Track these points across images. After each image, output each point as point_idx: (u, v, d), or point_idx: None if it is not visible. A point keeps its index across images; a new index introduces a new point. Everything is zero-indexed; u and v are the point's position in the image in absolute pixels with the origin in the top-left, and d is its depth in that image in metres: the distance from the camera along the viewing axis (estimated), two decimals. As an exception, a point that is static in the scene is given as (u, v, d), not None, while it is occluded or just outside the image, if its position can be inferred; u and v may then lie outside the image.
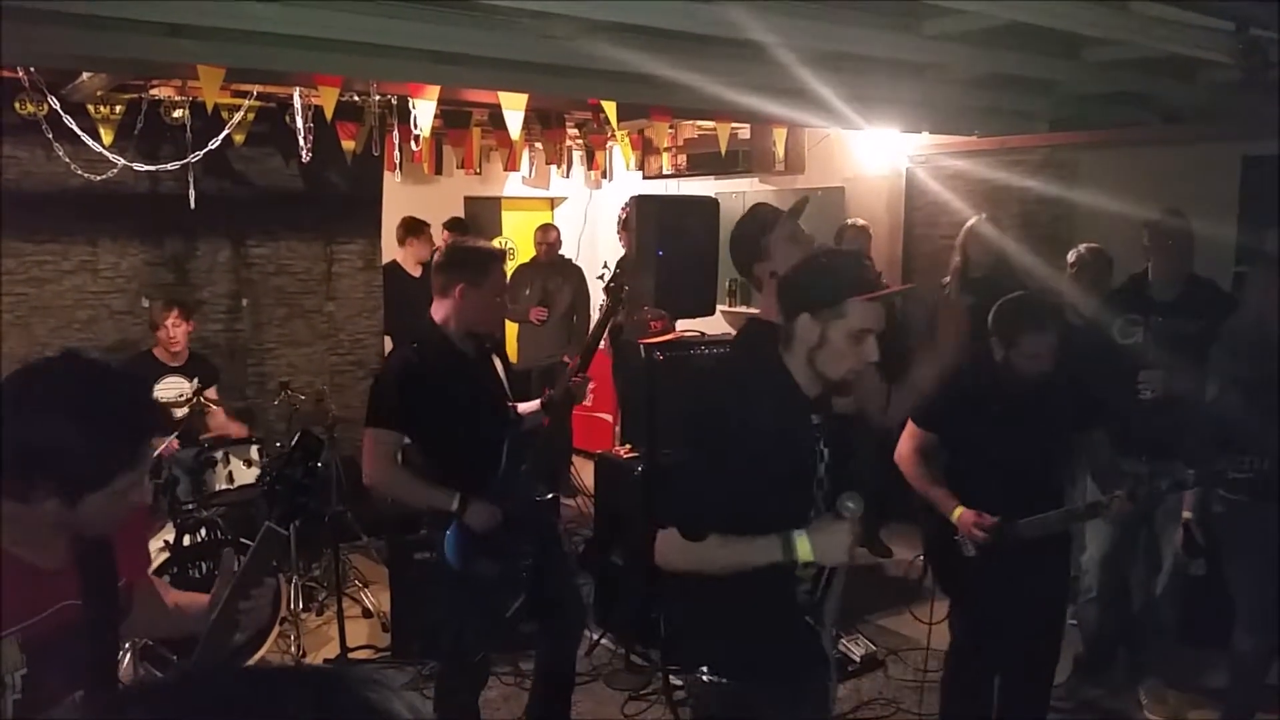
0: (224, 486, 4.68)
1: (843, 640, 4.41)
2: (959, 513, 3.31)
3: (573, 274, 7.61)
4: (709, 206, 4.25)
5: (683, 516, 2.31)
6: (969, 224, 5.43)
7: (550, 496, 4.33)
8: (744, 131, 6.92)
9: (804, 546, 2.21)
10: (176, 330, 5.13)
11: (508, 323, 7.27)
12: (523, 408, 3.63)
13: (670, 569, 2.34)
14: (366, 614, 5.11)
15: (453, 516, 3.27)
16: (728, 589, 2.31)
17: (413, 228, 6.94)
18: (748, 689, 2.36)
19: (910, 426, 3.45)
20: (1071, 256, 4.79)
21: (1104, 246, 4.77)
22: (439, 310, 3.37)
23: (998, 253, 5.35)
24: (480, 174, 7.76)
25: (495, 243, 8.39)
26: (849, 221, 6.14)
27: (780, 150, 7.09)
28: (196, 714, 0.65)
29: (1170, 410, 3.77)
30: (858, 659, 4.54)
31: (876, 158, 6.91)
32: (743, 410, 2.32)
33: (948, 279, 5.54)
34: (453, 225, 7.32)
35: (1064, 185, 5.87)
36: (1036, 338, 3.24)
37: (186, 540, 4.36)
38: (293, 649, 4.56)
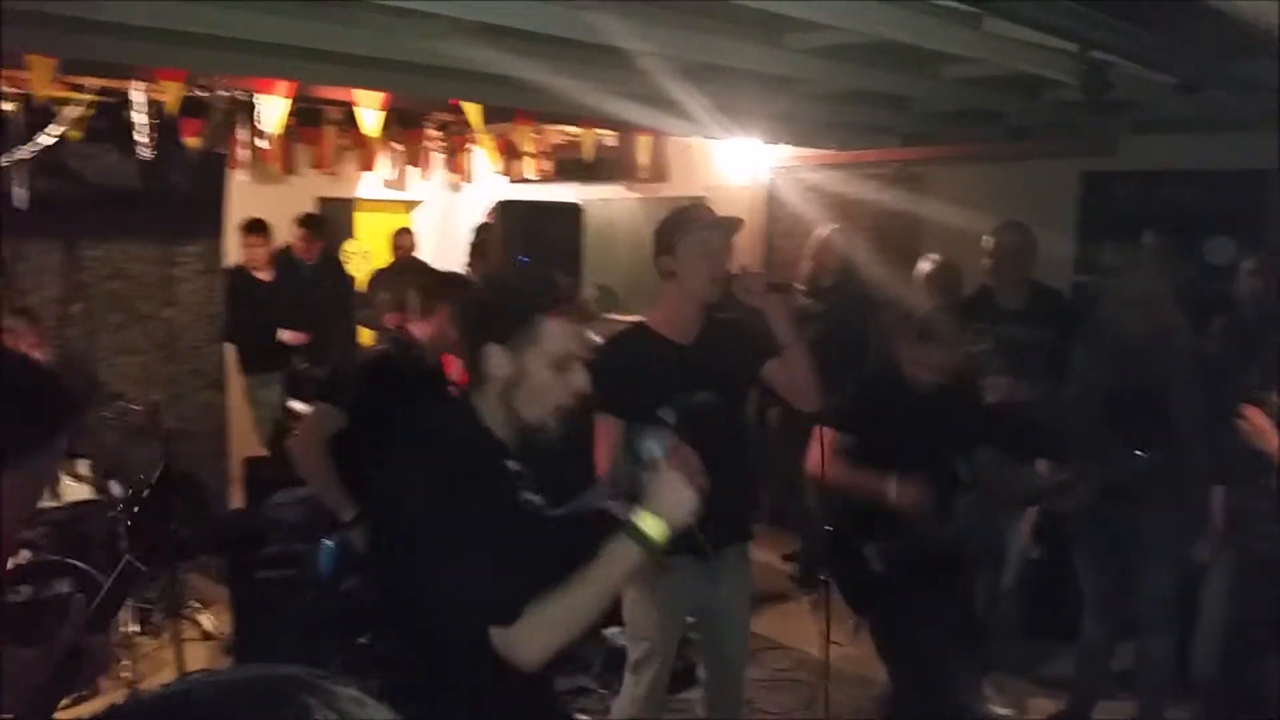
0: (50, 504, 4.33)
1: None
2: (894, 484, 3.11)
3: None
4: (572, 212, 4.21)
5: (475, 605, 1.77)
6: (820, 233, 5.57)
7: None
8: (610, 138, 6.88)
9: (649, 524, 1.77)
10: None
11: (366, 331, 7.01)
12: None
13: (541, 659, 1.79)
14: (207, 636, 4.83)
15: (337, 527, 3.18)
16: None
17: (247, 226, 6.53)
18: None
19: (825, 433, 3.23)
20: (921, 268, 4.92)
21: (952, 258, 4.92)
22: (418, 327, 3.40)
23: (848, 262, 5.50)
24: (335, 174, 7.49)
25: (346, 246, 8.15)
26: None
27: (645, 158, 7.08)
28: None
29: (1016, 414, 3.90)
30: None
31: (739, 168, 6.98)
32: (428, 469, 1.83)
33: (800, 287, 5.65)
34: (307, 222, 7.00)
35: (914, 199, 6.05)
36: (925, 349, 3.25)
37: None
38: (127, 675, 4.27)
